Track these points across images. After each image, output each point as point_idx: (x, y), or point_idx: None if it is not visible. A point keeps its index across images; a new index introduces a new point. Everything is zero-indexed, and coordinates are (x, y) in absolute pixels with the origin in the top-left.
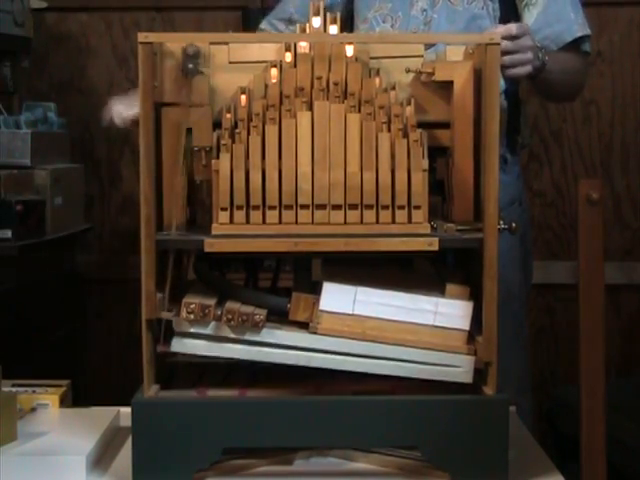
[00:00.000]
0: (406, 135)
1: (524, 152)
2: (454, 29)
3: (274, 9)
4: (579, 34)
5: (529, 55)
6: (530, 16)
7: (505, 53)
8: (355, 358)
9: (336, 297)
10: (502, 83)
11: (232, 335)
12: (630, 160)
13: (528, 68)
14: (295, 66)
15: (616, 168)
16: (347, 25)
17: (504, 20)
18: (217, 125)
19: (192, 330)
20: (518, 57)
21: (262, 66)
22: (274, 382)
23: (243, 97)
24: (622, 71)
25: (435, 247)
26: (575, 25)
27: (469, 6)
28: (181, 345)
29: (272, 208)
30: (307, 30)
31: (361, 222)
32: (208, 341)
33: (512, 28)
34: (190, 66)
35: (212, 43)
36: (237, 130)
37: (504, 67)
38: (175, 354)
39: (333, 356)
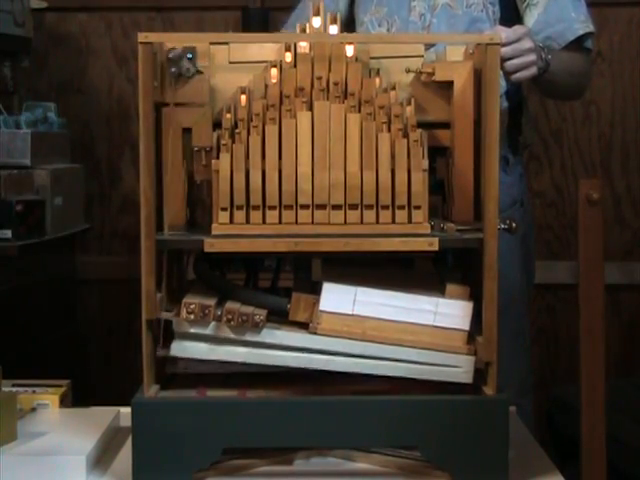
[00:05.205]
0: (406, 135)
1: (525, 152)
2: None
3: (288, 20)
4: (581, 32)
5: (531, 57)
6: (531, 17)
7: (505, 60)
8: (355, 358)
9: (336, 297)
10: (503, 84)
11: (232, 335)
12: (630, 160)
13: (533, 70)
14: (295, 66)
15: (616, 168)
16: (347, 29)
17: (504, 22)
18: (217, 125)
19: (192, 330)
20: (519, 61)
21: (262, 66)
22: (274, 382)
23: (243, 97)
24: (622, 71)
25: (435, 247)
26: (576, 23)
27: (468, 9)
28: (181, 349)
29: (272, 208)
30: (307, 30)
31: (361, 222)
32: (208, 343)
33: (504, 35)
34: (173, 70)
35: (212, 43)
36: (237, 130)
37: (508, 74)
38: (175, 361)
39: (333, 357)
